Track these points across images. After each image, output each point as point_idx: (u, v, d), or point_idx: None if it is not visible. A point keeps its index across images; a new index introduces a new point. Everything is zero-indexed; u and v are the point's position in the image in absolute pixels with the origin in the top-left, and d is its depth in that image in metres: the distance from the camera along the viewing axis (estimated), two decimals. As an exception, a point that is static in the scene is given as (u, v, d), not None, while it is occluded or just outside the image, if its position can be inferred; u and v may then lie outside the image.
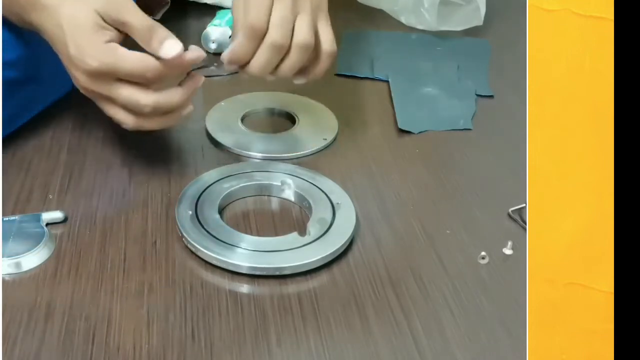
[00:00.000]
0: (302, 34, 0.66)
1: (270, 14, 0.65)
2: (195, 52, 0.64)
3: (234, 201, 0.69)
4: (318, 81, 0.72)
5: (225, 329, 0.55)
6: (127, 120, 0.64)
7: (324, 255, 0.61)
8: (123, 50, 0.61)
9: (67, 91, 0.80)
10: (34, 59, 0.71)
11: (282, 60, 0.67)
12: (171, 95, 0.64)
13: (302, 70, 0.69)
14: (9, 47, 0.68)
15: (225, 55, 0.67)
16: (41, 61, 0.71)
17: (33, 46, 0.70)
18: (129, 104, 0.63)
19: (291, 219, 0.67)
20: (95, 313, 0.55)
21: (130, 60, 0.61)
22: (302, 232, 0.63)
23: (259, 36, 0.65)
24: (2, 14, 0.67)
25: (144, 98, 0.62)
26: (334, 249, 0.61)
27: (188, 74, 0.66)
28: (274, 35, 0.65)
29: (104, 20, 0.61)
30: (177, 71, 0.64)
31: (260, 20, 0.64)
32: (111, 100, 0.63)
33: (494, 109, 0.89)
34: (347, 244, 0.63)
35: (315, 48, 0.68)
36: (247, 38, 0.65)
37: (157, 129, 0.67)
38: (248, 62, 0.67)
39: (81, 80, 0.62)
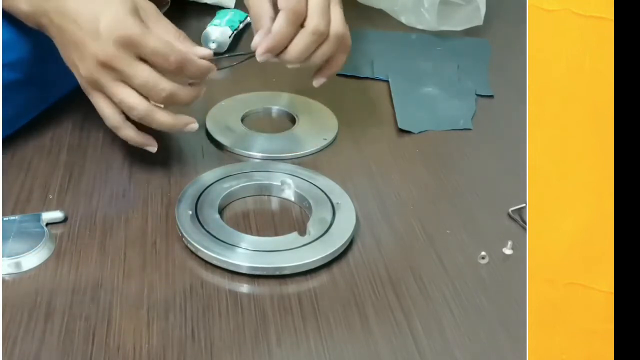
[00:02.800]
0: (339, 23, 0.68)
1: (307, 2, 0.66)
2: (210, 64, 0.65)
3: (234, 201, 0.69)
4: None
5: (225, 329, 0.55)
6: (139, 104, 0.63)
7: (324, 255, 0.61)
8: (153, 32, 0.62)
9: (68, 92, 0.80)
10: (35, 60, 0.71)
11: (317, 47, 0.68)
12: (185, 89, 0.65)
13: (318, 69, 0.72)
14: (10, 48, 0.68)
15: (262, 42, 0.67)
16: (42, 63, 0.71)
17: (34, 48, 0.70)
18: (148, 83, 0.62)
19: (291, 219, 0.67)
20: (95, 313, 0.55)
21: (158, 39, 0.62)
22: (302, 232, 0.63)
23: (300, 22, 0.66)
24: (7, 10, 0.66)
25: (163, 81, 0.63)
26: (334, 249, 0.61)
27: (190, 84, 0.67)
28: (317, 21, 0.66)
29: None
30: (194, 70, 0.64)
31: (302, 6, 0.65)
32: (127, 80, 0.62)
33: (494, 109, 0.89)
34: (347, 244, 0.63)
35: None
36: (289, 23, 0.65)
37: (161, 127, 0.66)
38: (282, 50, 0.67)
39: (102, 55, 0.61)
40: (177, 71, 0.63)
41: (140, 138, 0.68)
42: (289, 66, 0.69)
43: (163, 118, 0.65)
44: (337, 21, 0.68)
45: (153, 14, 0.64)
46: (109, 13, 0.60)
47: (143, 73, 0.62)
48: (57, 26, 0.63)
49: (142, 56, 0.62)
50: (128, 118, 0.66)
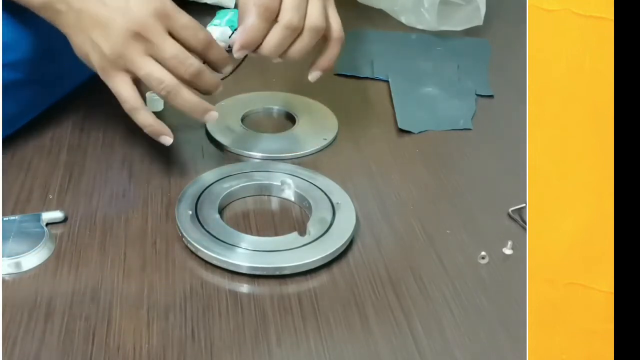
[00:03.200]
0: (315, 17, 0.67)
1: None
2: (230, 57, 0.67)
3: (234, 201, 0.69)
4: (318, 81, 0.72)
5: (225, 329, 0.55)
6: (166, 77, 0.63)
7: (324, 255, 0.61)
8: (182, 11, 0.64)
9: (68, 92, 0.80)
10: (36, 60, 0.71)
11: (293, 42, 0.68)
12: (209, 73, 0.66)
13: (312, 62, 0.71)
14: (10, 48, 0.68)
15: (237, 38, 0.67)
16: (43, 62, 0.71)
17: (35, 48, 0.70)
18: (178, 56, 0.63)
19: (291, 219, 0.67)
20: (95, 313, 0.55)
21: (189, 16, 0.64)
22: (302, 232, 0.63)
23: (272, 17, 0.66)
24: (19, 2, 0.66)
25: (192, 57, 0.64)
26: (334, 249, 0.61)
27: None
28: (290, 15, 0.66)
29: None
30: (217, 54, 0.66)
31: (274, 1, 0.65)
32: (157, 53, 0.62)
33: (494, 109, 0.89)
34: (347, 244, 0.63)
35: (324, 35, 0.69)
36: (261, 19, 0.66)
37: (184, 107, 0.65)
38: (259, 46, 0.67)
39: (133, 25, 0.61)
40: (203, 50, 0.65)
41: (158, 125, 0.67)
42: (274, 61, 0.70)
43: (189, 96, 0.65)
44: (314, 15, 0.67)
45: (174, 8, 0.64)
46: None
47: (173, 46, 0.63)
48: (76, 10, 0.62)
49: (173, 30, 0.63)
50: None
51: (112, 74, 0.64)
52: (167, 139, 0.67)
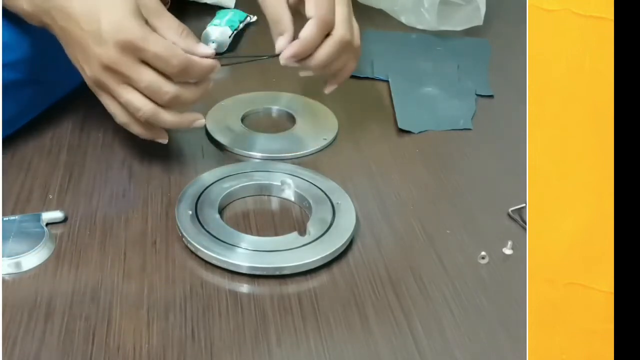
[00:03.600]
0: (358, 34, 0.71)
1: (334, 11, 0.68)
2: (214, 63, 0.65)
3: (234, 201, 0.69)
4: (318, 81, 0.72)
5: (225, 329, 0.55)
6: (145, 106, 0.63)
7: (324, 255, 0.61)
8: (155, 35, 0.62)
9: (68, 92, 0.80)
10: (36, 60, 0.71)
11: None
12: (189, 90, 0.65)
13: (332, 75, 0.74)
14: (11, 48, 0.68)
15: (289, 47, 0.67)
16: (43, 63, 0.71)
17: (36, 47, 0.70)
18: (151, 87, 0.62)
19: (291, 219, 0.67)
20: (95, 313, 0.55)
21: (161, 43, 0.61)
22: (302, 232, 0.63)
23: (328, 31, 0.68)
24: (8, 9, 0.66)
25: (167, 84, 0.63)
26: (334, 249, 0.61)
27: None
28: (344, 32, 0.68)
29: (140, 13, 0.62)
30: (197, 71, 0.64)
31: (332, 16, 0.67)
32: (131, 83, 0.62)
33: (494, 109, 0.89)
34: (347, 244, 0.63)
35: None
36: (320, 31, 0.67)
37: (168, 127, 0.67)
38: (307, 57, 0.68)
39: (105, 59, 0.61)
40: (180, 74, 0.63)
41: (150, 133, 0.68)
42: (302, 74, 0.70)
43: (169, 118, 0.65)
44: (358, 33, 0.71)
45: (156, 9, 0.63)
46: (110, 15, 0.60)
47: (146, 77, 0.62)
48: (60, 26, 0.63)
49: (145, 60, 0.61)
50: None
51: (99, 92, 0.65)
52: (163, 140, 0.69)
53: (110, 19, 0.60)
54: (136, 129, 0.67)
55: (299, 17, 0.69)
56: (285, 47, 0.68)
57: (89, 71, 0.63)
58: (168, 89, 0.63)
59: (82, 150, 0.74)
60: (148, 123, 0.66)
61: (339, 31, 0.68)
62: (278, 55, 0.68)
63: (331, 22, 0.67)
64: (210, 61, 0.65)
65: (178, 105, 0.65)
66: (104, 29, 0.60)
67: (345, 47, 0.69)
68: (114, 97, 0.64)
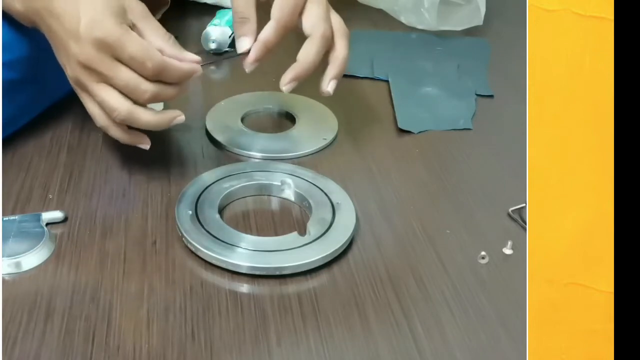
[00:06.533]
0: (342, 24, 0.71)
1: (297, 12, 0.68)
2: (193, 66, 0.64)
3: (234, 201, 0.69)
4: (318, 81, 0.72)
5: (225, 329, 0.55)
6: (122, 105, 0.62)
7: (324, 255, 0.61)
8: (134, 34, 0.61)
9: (68, 92, 0.80)
10: (35, 60, 0.71)
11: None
12: (168, 88, 0.64)
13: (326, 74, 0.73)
14: (10, 47, 0.68)
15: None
16: (42, 63, 0.71)
17: (35, 47, 0.70)
18: (129, 85, 0.61)
19: (291, 219, 0.67)
20: (95, 313, 0.55)
21: (138, 43, 0.60)
22: (302, 232, 0.63)
23: (287, 33, 0.68)
24: (4, 10, 0.66)
25: (145, 83, 0.62)
26: (334, 249, 0.61)
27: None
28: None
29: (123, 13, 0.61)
30: (174, 75, 0.63)
31: (293, 16, 0.67)
32: (108, 81, 0.61)
33: (494, 109, 0.89)
34: (347, 243, 0.63)
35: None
36: (278, 33, 0.67)
37: (147, 127, 0.65)
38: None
39: (82, 57, 0.60)
40: (155, 77, 0.62)
41: (130, 137, 0.66)
42: (284, 89, 0.69)
43: (147, 117, 0.64)
44: (342, 22, 0.71)
45: (142, 14, 0.63)
46: (89, 14, 0.59)
47: (123, 75, 0.61)
48: (46, 25, 0.63)
49: (121, 60, 0.61)
50: None
51: (79, 92, 0.65)
52: (145, 146, 0.68)
53: (89, 17, 0.59)
54: (115, 133, 0.65)
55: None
56: (247, 49, 0.68)
57: (70, 70, 0.63)
58: (146, 87, 0.62)
59: (82, 150, 0.74)
60: (126, 126, 0.65)
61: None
62: (242, 54, 0.68)
63: (292, 25, 0.67)
64: (188, 65, 0.64)
65: (159, 100, 0.64)
66: (81, 27, 0.59)
67: (327, 42, 0.68)
68: (92, 97, 0.64)
